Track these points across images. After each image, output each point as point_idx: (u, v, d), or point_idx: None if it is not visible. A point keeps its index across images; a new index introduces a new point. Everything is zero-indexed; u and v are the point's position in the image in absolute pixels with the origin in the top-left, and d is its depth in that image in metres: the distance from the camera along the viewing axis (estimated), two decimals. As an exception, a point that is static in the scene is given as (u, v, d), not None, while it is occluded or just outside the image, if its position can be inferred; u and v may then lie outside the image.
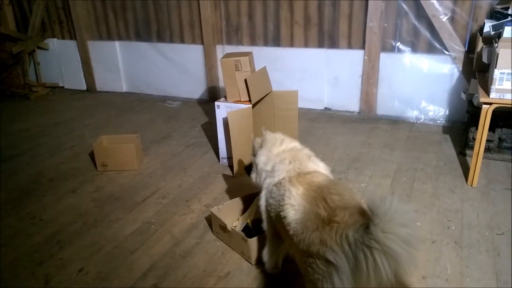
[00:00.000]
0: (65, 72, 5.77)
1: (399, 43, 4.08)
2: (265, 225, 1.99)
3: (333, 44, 4.33)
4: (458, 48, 3.83)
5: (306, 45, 4.45)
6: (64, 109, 5.01)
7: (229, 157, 3.26)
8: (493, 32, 2.97)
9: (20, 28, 5.66)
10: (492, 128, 3.13)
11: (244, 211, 2.57)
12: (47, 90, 5.74)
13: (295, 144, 2.04)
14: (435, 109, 4.12)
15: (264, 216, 1.97)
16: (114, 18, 5.26)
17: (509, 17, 3.05)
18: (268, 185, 1.89)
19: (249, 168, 2.21)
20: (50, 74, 5.85)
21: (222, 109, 3.20)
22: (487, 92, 2.67)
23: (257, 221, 2.26)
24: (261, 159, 2.00)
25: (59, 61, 5.73)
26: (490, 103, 2.66)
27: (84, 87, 5.76)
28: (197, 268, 2.19)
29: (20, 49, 5.43)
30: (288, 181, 1.75)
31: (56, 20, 5.58)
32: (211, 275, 2.13)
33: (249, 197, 2.58)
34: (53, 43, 5.67)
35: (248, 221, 2.28)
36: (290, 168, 1.82)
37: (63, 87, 5.86)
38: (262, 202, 1.94)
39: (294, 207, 1.64)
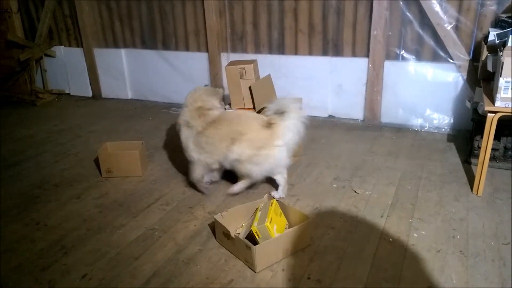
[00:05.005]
0: (72, 79, 5.83)
1: (403, 51, 4.09)
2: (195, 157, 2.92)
3: (338, 52, 4.35)
4: (463, 57, 3.83)
5: (310, 53, 4.47)
6: (70, 115, 5.05)
7: (233, 164, 3.26)
8: (498, 41, 2.98)
9: (28, 36, 5.73)
10: (497, 137, 3.12)
11: (248, 218, 2.57)
12: (54, 97, 5.79)
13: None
14: (439, 117, 4.11)
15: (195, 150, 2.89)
16: (120, 26, 5.31)
17: (514, 25, 3.06)
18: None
19: None
20: (57, 81, 5.90)
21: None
22: (492, 100, 2.67)
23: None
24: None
25: (65, 68, 5.78)
26: (495, 112, 2.65)
27: (90, 94, 5.80)
28: (200, 275, 2.19)
29: (27, 56, 5.49)
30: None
31: (63, 28, 5.64)
32: (214, 282, 2.13)
33: (253, 204, 2.58)
34: (60, 51, 5.73)
35: (252, 228, 2.28)
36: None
37: (69, 94, 5.91)
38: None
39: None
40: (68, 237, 2.56)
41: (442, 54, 3.93)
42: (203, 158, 2.88)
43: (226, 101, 3.27)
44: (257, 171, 2.77)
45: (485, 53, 3.14)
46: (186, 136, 2.91)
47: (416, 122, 4.20)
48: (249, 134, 2.71)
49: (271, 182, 3.17)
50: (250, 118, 2.83)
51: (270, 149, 2.71)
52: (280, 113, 2.72)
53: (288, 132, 2.72)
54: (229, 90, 3.22)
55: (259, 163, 2.73)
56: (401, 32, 4.03)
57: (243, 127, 2.75)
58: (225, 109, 3.14)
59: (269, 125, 2.72)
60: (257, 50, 4.70)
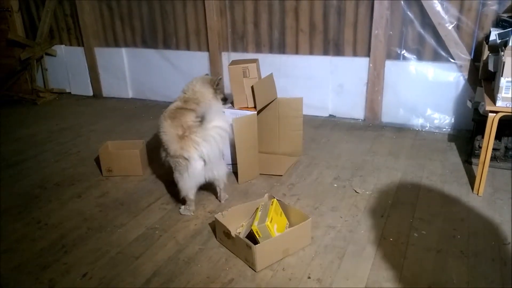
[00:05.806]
0: (72, 78, 5.83)
1: (404, 51, 4.09)
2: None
3: (338, 51, 4.35)
4: (464, 56, 3.83)
5: (311, 52, 4.47)
6: (71, 114, 5.05)
7: (234, 164, 3.26)
8: (499, 41, 2.97)
9: (29, 35, 5.73)
10: (498, 137, 3.11)
11: (248, 217, 2.57)
12: (54, 96, 5.80)
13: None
14: (440, 117, 4.10)
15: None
16: (121, 26, 5.31)
17: (515, 25, 3.05)
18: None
19: None
20: (58, 80, 5.91)
21: (227, 116, 3.20)
22: (494, 100, 2.67)
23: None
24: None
25: (66, 67, 5.79)
26: (496, 112, 2.65)
27: (91, 93, 5.80)
28: (201, 274, 2.19)
29: (28, 55, 5.49)
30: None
31: (64, 27, 5.65)
32: (215, 282, 2.13)
33: (254, 204, 2.58)
34: (61, 50, 5.74)
35: (252, 227, 2.28)
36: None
37: (70, 93, 5.92)
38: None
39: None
40: (68, 236, 2.56)
41: (443, 53, 3.92)
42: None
43: (229, 99, 3.27)
44: (179, 180, 2.68)
45: (486, 52, 3.14)
46: None
47: (417, 122, 4.20)
48: (165, 142, 2.66)
49: (270, 182, 3.17)
50: (171, 125, 2.69)
51: (182, 160, 2.59)
52: (201, 121, 2.59)
53: (202, 144, 2.54)
54: (231, 89, 3.21)
55: (178, 170, 2.65)
56: (402, 32, 4.03)
57: (165, 132, 2.68)
58: (225, 100, 3.15)
59: (183, 136, 2.60)
60: (258, 49, 4.70)
